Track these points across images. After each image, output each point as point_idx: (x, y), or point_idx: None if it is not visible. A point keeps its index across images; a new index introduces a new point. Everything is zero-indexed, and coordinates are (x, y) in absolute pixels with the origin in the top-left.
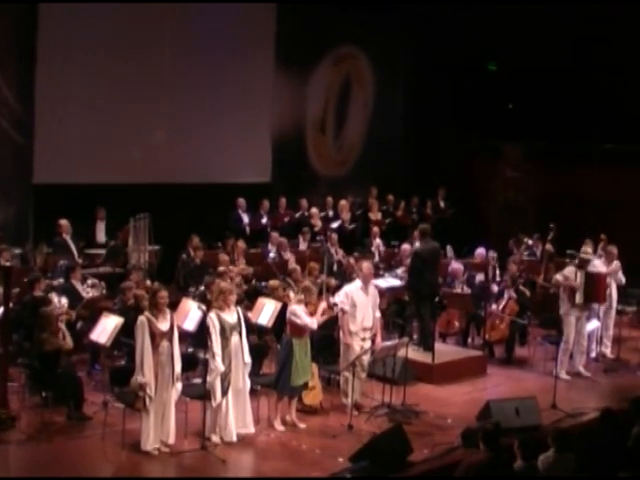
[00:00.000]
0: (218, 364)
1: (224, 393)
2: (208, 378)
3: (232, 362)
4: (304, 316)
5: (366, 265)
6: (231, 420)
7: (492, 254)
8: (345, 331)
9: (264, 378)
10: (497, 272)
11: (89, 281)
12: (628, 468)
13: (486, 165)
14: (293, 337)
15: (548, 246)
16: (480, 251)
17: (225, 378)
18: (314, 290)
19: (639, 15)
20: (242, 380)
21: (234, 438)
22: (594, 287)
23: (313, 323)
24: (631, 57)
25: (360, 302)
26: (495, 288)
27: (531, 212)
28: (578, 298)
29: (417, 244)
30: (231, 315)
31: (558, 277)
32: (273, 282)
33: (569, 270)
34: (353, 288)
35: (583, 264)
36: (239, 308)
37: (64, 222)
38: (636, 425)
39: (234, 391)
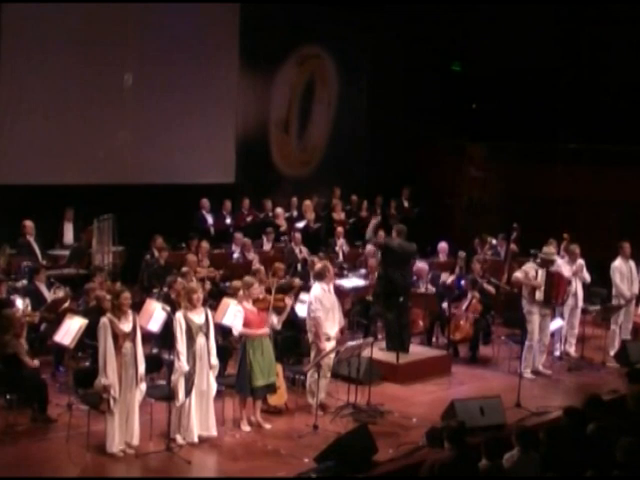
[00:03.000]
0: (182, 364)
1: (187, 393)
2: (172, 378)
3: (197, 363)
4: (235, 319)
5: (328, 266)
6: (193, 421)
7: (461, 254)
8: (321, 337)
9: (228, 379)
10: (464, 272)
11: (54, 287)
12: (590, 466)
13: (450, 164)
14: (245, 338)
15: (512, 246)
16: (442, 245)
17: (189, 378)
18: (252, 282)
19: (603, 17)
20: (206, 382)
21: (195, 439)
22: (553, 287)
23: (236, 330)
24: (595, 58)
25: (330, 304)
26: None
27: (495, 211)
28: (538, 295)
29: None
30: (199, 316)
31: (518, 274)
32: (236, 282)
33: (529, 266)
34: (319, 291)
35: (545, 264)
36: (208, 309)
37: (29, 223)
38: (592, 423)
39: (197, 392)
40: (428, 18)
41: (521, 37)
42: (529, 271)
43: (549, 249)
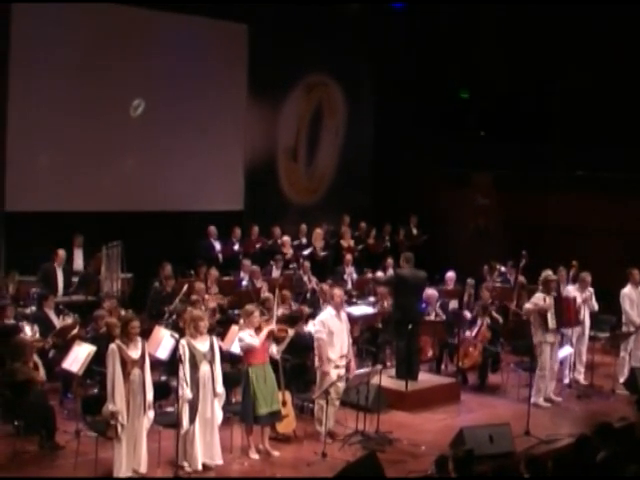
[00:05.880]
0: (185, 391)
1: (191, 420)
2: (177, 405)
3: (200, 391)
4: (247, 339)
5: (337, 293)
6: (197, 448)
7: (470, 281)
8: (323, 360)
9: (235, 406)
10: (472, 299)
11: (63, 314)
12: None
13: (457, 192)
14: (248, 365)
15: (520, 274)
16: (450, 275)
17: (193, 405)
18: (252, 310)
19: (602, 43)
20: (210, 410)
21: (199, 467)
22: (565, 311)
23: (255, 342)
24: (597, 85)
25: (336, 329)
26: (468, 315)
27: (502, 239)
28: (550, 323)
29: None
30: (203, 343)
31: (528, 306)
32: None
33: (538, 297)
34: (327, 316)
35: (547, 285)
36: (214, 337)
37: (61, 252)
38: (602, 451)
39: (202, 420)
40: (435, 46)
41: (531, 66)
42: (538, 302)
43: (546, 273)
